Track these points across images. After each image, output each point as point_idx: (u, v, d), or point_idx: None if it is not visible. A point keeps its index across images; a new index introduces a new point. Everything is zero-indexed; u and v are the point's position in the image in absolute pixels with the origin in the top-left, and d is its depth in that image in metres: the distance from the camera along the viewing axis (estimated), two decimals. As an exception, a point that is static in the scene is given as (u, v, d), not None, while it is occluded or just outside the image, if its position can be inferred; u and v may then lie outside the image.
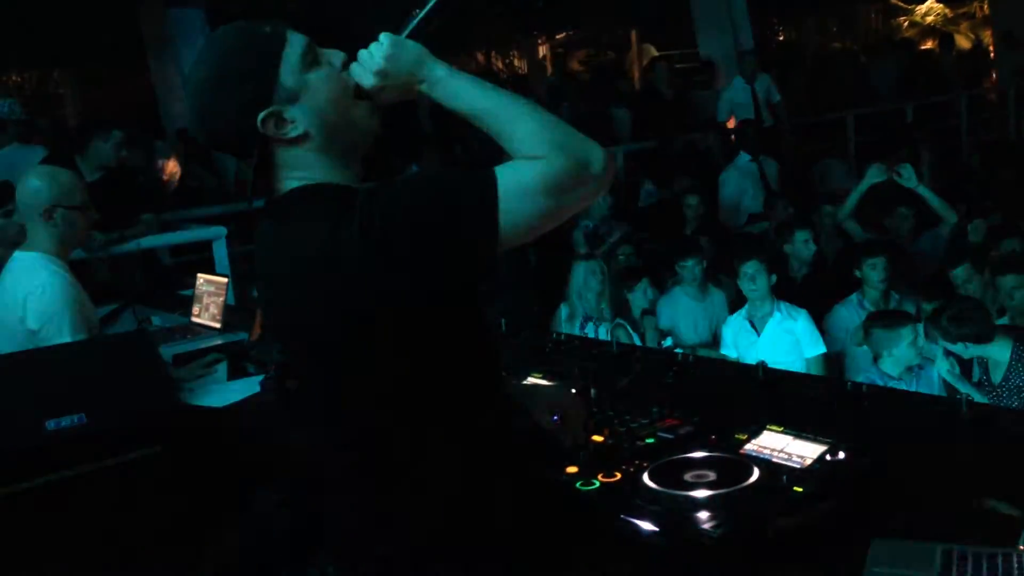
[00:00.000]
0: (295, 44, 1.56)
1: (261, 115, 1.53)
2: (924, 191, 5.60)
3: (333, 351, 1.55)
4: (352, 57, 1.58)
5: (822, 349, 4.71)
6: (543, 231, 1.50)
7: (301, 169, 1.57)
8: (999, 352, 3.91)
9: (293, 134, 1.55)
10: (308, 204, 1.53)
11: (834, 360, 4.82)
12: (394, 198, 1.47)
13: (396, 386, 1.54)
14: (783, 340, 4.67)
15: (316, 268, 1.49)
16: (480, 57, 17.10)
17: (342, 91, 1.58)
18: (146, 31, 7.99)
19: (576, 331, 5.36)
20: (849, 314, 4.92)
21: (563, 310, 5.66)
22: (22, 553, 2.64)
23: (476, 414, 1.61)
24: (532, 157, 1.47)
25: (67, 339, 2.94)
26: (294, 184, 1.57)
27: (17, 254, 3.13)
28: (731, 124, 9.23)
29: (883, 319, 4.22)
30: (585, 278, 5.54)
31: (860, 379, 3.34)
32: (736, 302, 5.22)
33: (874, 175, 5.60)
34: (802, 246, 5.52)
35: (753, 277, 4.73)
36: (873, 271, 4.86)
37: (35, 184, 3.10)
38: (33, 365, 2.79)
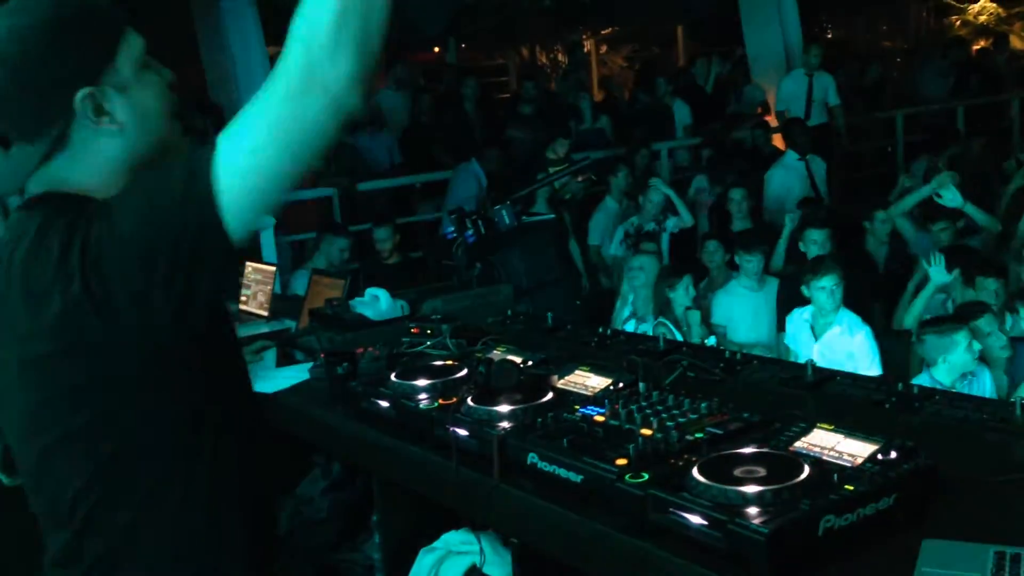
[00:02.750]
0: (135, 37, 1.46)
1: (86, 90, 1.38)
2: (970, 209, 5.52)
3: (39, 382, 1.38)
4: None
5: (879, 371, 4.59)
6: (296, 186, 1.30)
7: (94, 166, 1.43)
8: None
9: (109, 124, 1.42)
10: (47, 222, 1.36)
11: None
12: (108, 228, 1.28)
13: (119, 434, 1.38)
14: (837, 353, 4.61)
15: (37, 302, 1.32)
16: (524, 52, 17.10)
17: (166, 104, 1.49)
18: (198, 22, 8.08)
19: (617, 325, 5.39)
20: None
21: (619, 305, 5.72)
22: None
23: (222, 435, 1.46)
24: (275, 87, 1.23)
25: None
26: (51, 185, 1.42)
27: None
28: (772, 120, 9.17)
29: (936, 324, 4.16)
30: (627, 273, 5.58)
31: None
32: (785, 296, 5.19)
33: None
34: (813, 246, 5.45)
35: (832, 292, 4.65)
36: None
37: None
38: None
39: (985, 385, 4.09)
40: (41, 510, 1.49)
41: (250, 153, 1.23)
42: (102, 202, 1.35)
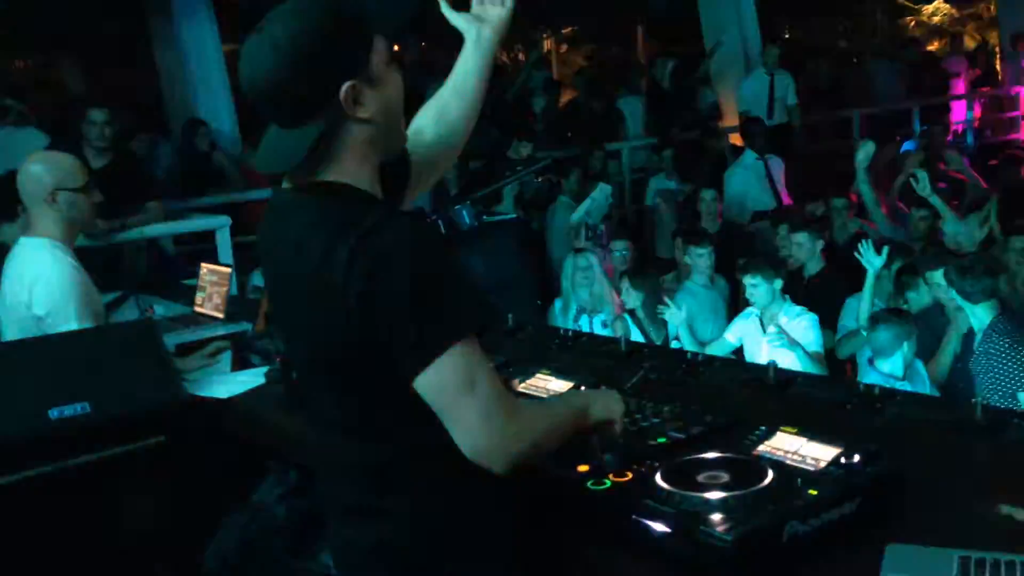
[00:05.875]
0: (381, 40, 1.64)
1: (349, 83, 1.57)
2: (936, 201, 5.63)
3: (321, 357, 1.64)
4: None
5: (819, 350, 4.69)
6: None
7: (348, 152, 1.61)
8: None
9: (362, 115, 1.59)
10: (324, 206, 1.59)
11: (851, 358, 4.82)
12: (396, 274, 1.50)
13: (379, 401, 1.60)
14: (784, 342, 4.63)
15: (307, 277, 1.57)
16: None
17: (402, 100, 1.67)
18: (151, 20, 7.93)
19: (570, 324, 5.38)
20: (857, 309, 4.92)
21: (557, 303, 5.70)
22: (24, 542, 2.62)
23: None
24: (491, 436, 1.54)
25: (73, 327, 2.92)
26: (327, 174, 1.61)
27: (22, 240, 3.12)
28: (730, 120, 9.23)
29: (889, 318, 4.22)
30: (574, 271, 5.56)
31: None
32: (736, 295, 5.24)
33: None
34: (797, 248, 5.54)
35: (756, 286, 4.78)
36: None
37: (37, 169, 3.10)
38: (37, 353, 2.78)
39: (924, 377, 4.20)
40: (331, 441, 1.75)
41: (461, 381, 1.55)
42: (371, 232, 1.52)
